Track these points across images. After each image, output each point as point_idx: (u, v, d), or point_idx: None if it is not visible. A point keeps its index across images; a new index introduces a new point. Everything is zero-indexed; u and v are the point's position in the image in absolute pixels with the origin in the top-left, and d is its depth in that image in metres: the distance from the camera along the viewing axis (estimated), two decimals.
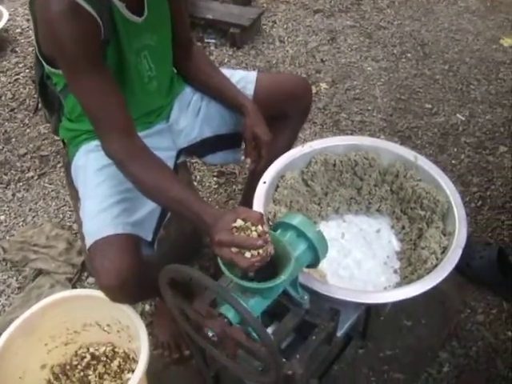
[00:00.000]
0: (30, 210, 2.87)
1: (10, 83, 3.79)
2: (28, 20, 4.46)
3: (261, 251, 1.31)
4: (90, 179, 1.83)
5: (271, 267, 1.38)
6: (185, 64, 2.04)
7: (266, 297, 1.41)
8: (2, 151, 3.24)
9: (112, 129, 1.60)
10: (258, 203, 1.81)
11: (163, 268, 1.40)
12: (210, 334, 1.35)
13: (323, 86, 3.61)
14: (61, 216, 2.81)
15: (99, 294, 1.81)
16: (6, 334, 1.79)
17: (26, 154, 3.20)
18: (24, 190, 2.99)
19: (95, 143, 1.88)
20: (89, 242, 1.69)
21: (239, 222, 1.35)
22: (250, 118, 1.95)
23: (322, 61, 3.86)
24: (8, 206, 2.90)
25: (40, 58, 1.79)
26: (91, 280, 2.47)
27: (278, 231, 1.48)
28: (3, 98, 3.66)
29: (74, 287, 2.43)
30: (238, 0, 4.22)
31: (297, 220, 1.48)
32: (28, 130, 3.37)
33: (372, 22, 4.33)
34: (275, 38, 4.09)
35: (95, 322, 1.96)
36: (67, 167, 2.11)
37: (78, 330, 1.98)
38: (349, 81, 3.67)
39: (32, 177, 3.06)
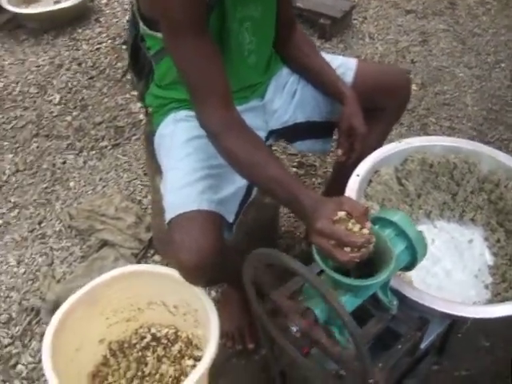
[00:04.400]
0: (101, 179, 2.80)
1: (91, 51, 3.76)
2: None
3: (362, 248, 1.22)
4: (177, 150, 1.72)
5: (365, 264, 1.27)
6: (285, 43, 1.91)
7: (358, 296, 1.30)
8: (78, 117, 3.19)
9: (210, 98, 1.49)
10: (350, 196, 1.70)
11: (252, 251, 1.31)
12: (294, 330, 1.25)
13: (413, 87, 3.43)
14: (131, 189, 2.73)
15: (171, 272, 1.73)
16: (68, 302, 1.71)
17: (101, 122, 3.14)
18: (96, 158, 2.92)
19: (185, 113, 1.78)
20: (170, 215, 1.59)
21: (341, 214, 1.24)
22: (348, 107, 1.81)
23: (413, 62, 3.70)
24: (78, 173, 2.84)
25: (138, 19, 1.70)
26: (157, 258, 2.38)
27: (376, 227, 1.35)
28: (83, 65, 3.62)
29: (138, 263, 2.34)
30: None
31: (397, 217, 1.37)
32: (105, 100, 3.32)
33: (466, 27, 4.15)
34: (365, 34, 3.95)
35: (161, 302, 1.86)
36: (148, 137, 2.03)
37: (142, 307, 1.88)
38: (439, 85, 3.51)
39: (105, 146, 2.99)
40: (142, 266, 1.90)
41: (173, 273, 1.71)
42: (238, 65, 1.71)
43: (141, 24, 1.70)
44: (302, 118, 1.97)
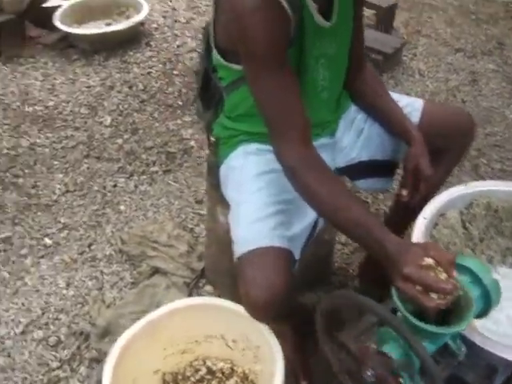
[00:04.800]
0: (152, 204, 2.79)
1: (142, 75, 3.78)
2: (164, 17, 4.47)
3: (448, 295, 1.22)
4: (248, 184, 1.72)
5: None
6: (355, 80, 1.90)
7: (434, 342, 1.30)
8: (129, 141, 3.20)
9: (289, 132, 1.49)
10: (417, 239, 1.70)
11: (329, 295, 1.35)
12: (369, 374, 1.25)
13: None
14: (183, 217, 2.71)
15: (233, 306, 1.71)
16: (129, 332, 1.69)
17: (152, 147, 3.15)
18: (147, 183, 2.92)
19: (255, 146, 1.78)
20: (241, 249, 1.59)
21: (429, 261, 1.25)
22: (415, 147, 1.80)
23: (463, 101, 3.68)
24: (129, 197, 2.84)
25: (212, 49, 1.71)
26: (209, 288, 2.36)
27: None
28: (134, 88, 3.65)
29: (190, 293, 2.32)
30: (380, 27, 4.09)
31: (472, 263, 1.37)
32: (156, 124, 3.33)
33: None
34: (415, 71, 3.94)
35: (220, 335, 1.83)
36: (211, 167, 2.03)
37: (200, 340, 1.85)
38: (489, 126, 3.48)
39: (156, 172, 2.99)
40: (205, 299, 1.88)
41: (235, 307, 1.70)
42: (311, 100, 1.70)
43: (216, 54, 1.70)
44: (367, 157, 1.96)
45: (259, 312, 1.59)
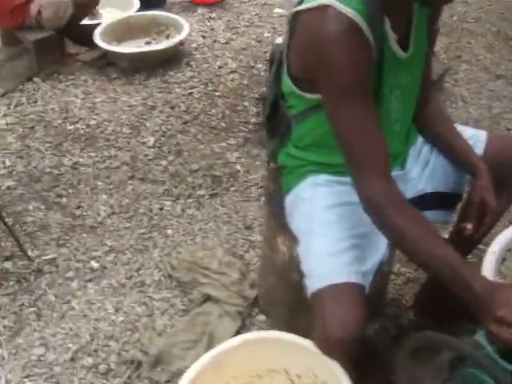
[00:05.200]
0: (200, 229, 2.75)
1: (183, 95, 3.77)
2: (204, 37, 4.46)
3: None
4: (319, 215, 1.69)
5: None
6: (422, 111, 1.87)
7: None
8: (174, 163, 3.17)
9: (373, 167, 1.47)
10: (488, 274, 1.68)
11: (412, 337, 1.33)
12: None
13: None
14: (232, 243, 2.67)
15: (297, 339, 1.67)
16: (195, 368, 1.64)
17: (197, 170, 3.11)
18: (194, 207, 2.88)
19: (325, 177, 1.75)
20: (316, 284, 1.56)
21: None
22: (481, 180, 1.77)
23: (508, 129, 3.63)
24: (177, 221, 2.80)
25: (285, 77, 1.68)
26: (262, 317, 2.31)
27: None
28: (176, 109, 3.63)
29: (243, 323, 2.28)
30: None
31: None
32: (201, 146, 3.30)
33: None
34: (458, 98, 3.89)
35: (283, 370, 1.78)
36: (272, 195, 2.00)
37: (262, 374, 1.80)
38: None
39: (203, 195, 2.95)
40: (270, 333, 1.81)
41: (299, 341, 1.66)
42: (384, 132, 1.68)
43: (288, 81, 1.67)
44: (431, 189, 1.93)
45: (334, 348, 1.56)
